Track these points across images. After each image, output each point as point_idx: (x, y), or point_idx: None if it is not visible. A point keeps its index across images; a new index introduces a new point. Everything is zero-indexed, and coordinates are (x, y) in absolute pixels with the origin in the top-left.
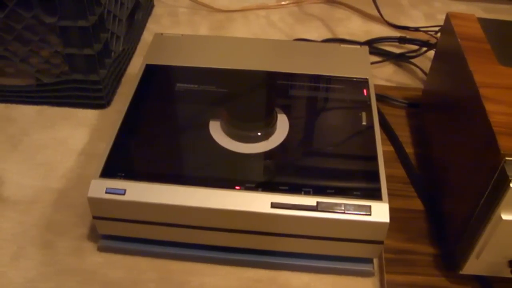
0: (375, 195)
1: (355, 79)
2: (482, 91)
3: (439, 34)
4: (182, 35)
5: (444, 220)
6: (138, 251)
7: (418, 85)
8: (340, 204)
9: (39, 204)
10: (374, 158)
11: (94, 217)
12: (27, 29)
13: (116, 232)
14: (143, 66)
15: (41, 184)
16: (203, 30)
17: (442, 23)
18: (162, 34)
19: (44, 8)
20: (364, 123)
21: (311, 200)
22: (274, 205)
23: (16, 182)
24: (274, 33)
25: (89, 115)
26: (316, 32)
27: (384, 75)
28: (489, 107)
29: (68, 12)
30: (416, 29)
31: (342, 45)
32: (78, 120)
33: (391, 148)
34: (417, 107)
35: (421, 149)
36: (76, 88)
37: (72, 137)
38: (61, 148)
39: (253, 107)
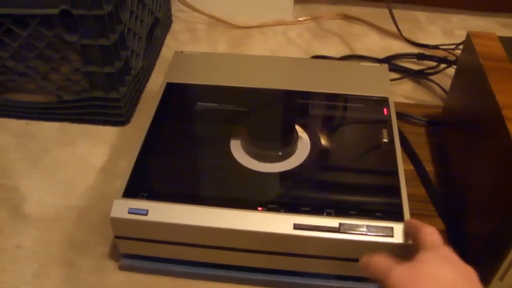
0: (397, 216)
1: (375, 98)
2: (505, 112)
3: (457, 51)
4: (201, 53)
5: (466, 240)
6: (160, 270)
7: (437, 102)
8: (362, 226)
9: (60, 221)
10: (396, 179)
11: (116, 237)
12: (48, 47)
13: (138, 251)
14: (164, 84)
15: (62, 202)
16: (221, 46)
17: (460, 39)
18: (182, 52)
19: (65, 27)
20: (384, 142)
21: (333, 222)
22: (296, 227)
23: (37, 200)
24: (292, 50)
25: (109, 132)
26: (334, 49)
27: (403, 92)
28: None
29: (90, 31)
30: (436, 47)
31: (362, 63)
32: (98, 137)
33: (411, 167)
34: (436, 124)
35: (442, 168)
36: (96, 106)
37: (92, 154)
38: (82, 165)
39: (274, 126)
